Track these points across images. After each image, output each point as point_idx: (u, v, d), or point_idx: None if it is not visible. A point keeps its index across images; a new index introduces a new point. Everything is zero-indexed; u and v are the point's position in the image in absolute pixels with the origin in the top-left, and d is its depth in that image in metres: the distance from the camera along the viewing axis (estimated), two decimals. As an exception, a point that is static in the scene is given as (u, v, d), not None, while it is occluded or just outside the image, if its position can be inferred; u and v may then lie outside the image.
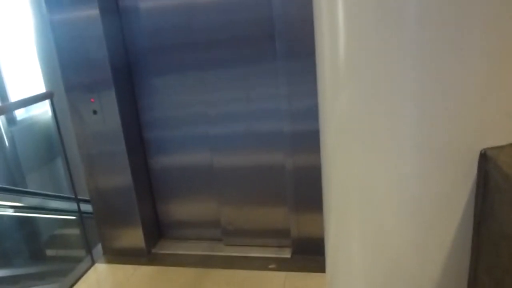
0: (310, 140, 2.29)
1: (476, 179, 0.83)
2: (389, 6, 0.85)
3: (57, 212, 3.94)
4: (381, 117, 0.92)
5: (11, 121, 4.79)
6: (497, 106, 0.82)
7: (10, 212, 3.56)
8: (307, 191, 2.41)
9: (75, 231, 4.57)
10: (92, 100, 2.36)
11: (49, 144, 5.11)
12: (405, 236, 0.95)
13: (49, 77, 4.37)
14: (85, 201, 2.76)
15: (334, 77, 1.02)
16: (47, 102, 2.48)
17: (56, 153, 5.10)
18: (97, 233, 2.73)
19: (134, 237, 2.66)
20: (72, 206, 3.81)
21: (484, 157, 0.81)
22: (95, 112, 2.38)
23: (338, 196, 1.11)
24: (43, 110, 5.06)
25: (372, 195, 1.00)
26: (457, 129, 0.84)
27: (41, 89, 4.46)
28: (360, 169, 1.01)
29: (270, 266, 2.44)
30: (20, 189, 3.94)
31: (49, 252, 4.56)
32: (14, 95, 4.79)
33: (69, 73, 2.39)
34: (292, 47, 2.20)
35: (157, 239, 2.84)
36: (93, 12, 2.26)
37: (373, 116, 0.93)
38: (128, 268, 2.53)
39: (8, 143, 4.76)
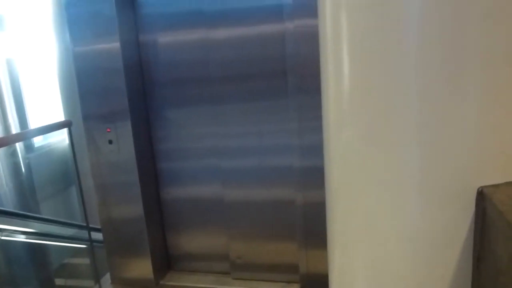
0: (320, 176, 2.30)
1: (474, 216, 0.85)
2: (390, 49, 0.89)
3: (68, 240, 3.97)
4: (383, 155, 0.95)
5: (28, 147, 4.91)
6: (493, 145, 0.85)
7: (21, 238, 3.60)
8: (316, 226, 2.41)
9: (85, 261, 4.59)
10: (108, 130, 2.44)
11: (65, 172, 5.20)
12: (407, 271, 0.97)
13: (68, 105, 4.52)
14: (96, 230, 2.80)
15: (338, 113, 1.06)
16: (64, 130, 2.57)
17: (71, 181, 5.18)
18: (106, 262, 2.75)
19: (143, 267, 2.67)
20: (84, 234, 3.86)
21: (481, 195, 0.83)
22: (110, 142, 2.46)
23: (341, 230, 1.13)
24: (60, 138, 5.18)
25: (374, 229, 1.02)
26: (456, 167, 0.87)
27: (60, 117, 4.60)
28: (363, 205, 1.03)
29: (278, 301, 2.42)
30: (33, 215, 4.00)
31: (58, 281, 4.56)
32: (33, 123, 4.94)
33: (87, 103, 2.48)
34: (303, 83, 2.26)
35: (165, 270, 2.84)
36: (115, 45, 2.37)
37: (375, 152, 0.97)
38: (136, 299, 2.54)
39: (25, 169, 4.86)
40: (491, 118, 0.86)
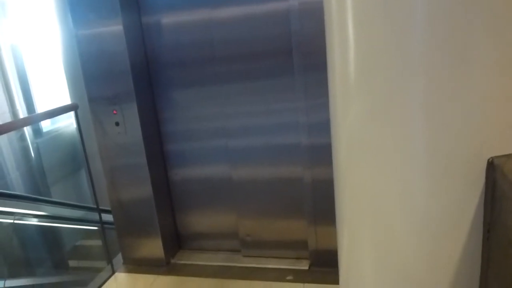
0: (328, 153, 2.30)
1: (485, 187, 0.84)
2: (396, 21, 0.87)
3: (79, 223, 4.03)
4: (390, 129, 0.94)
5: (37, 132, 4.95)
6: (503, 115, 0.83)
7: (34, 221, 3.66)
8: (325, 203, 2.41)
9: (96, 242, 4.65)
10: (114, 112, 2.44)
11: (74, 155, 5.24)
12: (416, 245, 0.96)
13: (74, 90, 4.52)
14: (107, 212, 2.83)
15: (344, 90, 1.04)
16: (72, 114, 2.58)
17: (81, 164, 5.22)
18: (117, 243, 2.79)
19: (153, 247, 2.71)
20: (94, 216, 3.91)
21: (492, 166, 0.82)
22: (117, 123, 2.46)
23: (350, 208, 1.12)
24: (68, 122, 5.21)
25: (383, 205, 1.02)
26: (465, 138, 0.86)
27: (67, 101, 4.61)
28: (371, 180, 1.02)
29: (288, 278, 2.44)
30: (44, 198, 4.05)
31: (71, 263, 4.65)
32: (41, 107, 4.96)
33: (93, 86, 2.48)
34: (309, 61, 2.24)
35: (176, 249, 2.88)
36: (117, 27, 2.35)
37: (382, 127, 0.95)
38: (148, 278, 2.58)
39: (34, 154, 4.90)
40: (500, 87, 0.84)
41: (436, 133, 0.88)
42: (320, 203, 2.45)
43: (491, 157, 0.83)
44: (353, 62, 0.99)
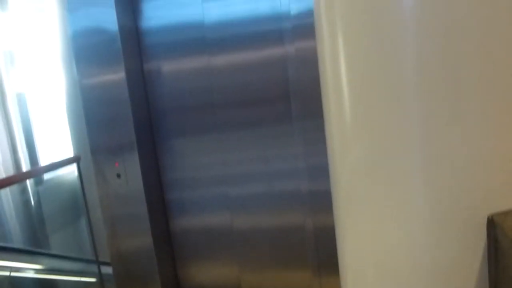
0: (329, 199, 2.30)
1: (487, 244, 0.84)
2: (389, 72, 0.90)
3: (78, 274, 3.94)
4: (389, 185, 0.95)
5: (37, 180, 4.94)
6: (501, 172, 0.84)
7: (31, 274, 3.58)
8: (329, 252, 2.37)
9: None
10: (116, 164, 2.46)
11: (74, 204, 5.20)
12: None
13: (77, 138, 4.55)
14: (106, 264, 2.78)
15: (341, 139, 1.06)
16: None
17: (80, 213, 5.17)
18: (117, 296, 2.73)
19: (153, 301, 2.64)
20: (94, 268, 3.83)
21: (492, 223, 0.82)
22: (118, 175, 2.47)
23: (352, 260, 1.11)
24: (69, 170, 5.21)
25: (385, 258, 1.01)
26: (465, 195, 0.86)
27: (69, 149, 4.64)
28: (371, 232, 1.02)
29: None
30: (42, 251, 3.98)
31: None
32: (43, 155, 4.98)
33: (95, 136, 2.51)
34: (306, 107, 2.27)
35: (176, 302, 2.81)
36: (120, 75, 2.41)
37: (381, 182, 0.96)
38: (147, 334, 2.49)
39: (34, 202, 4.87)
40: (500, 145, 0.85)
41: (436, 186, 0.89)
42: (323, 252, 2.41)
43: (491, 214, 0.83)
44: (348, 112, 1.01)
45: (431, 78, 0.86)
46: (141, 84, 2.56)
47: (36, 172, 3.95)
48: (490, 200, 0.85)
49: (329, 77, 1.05)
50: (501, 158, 0.84)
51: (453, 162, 0.86)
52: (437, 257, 0.91)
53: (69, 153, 4.36)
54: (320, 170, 2.29)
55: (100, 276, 2.68)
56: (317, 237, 2.41)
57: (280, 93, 2.37)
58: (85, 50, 2.43)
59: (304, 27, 2.22)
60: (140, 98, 2.55)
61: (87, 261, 3.66)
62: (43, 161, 4.77)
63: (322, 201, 2.33)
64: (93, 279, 4.16)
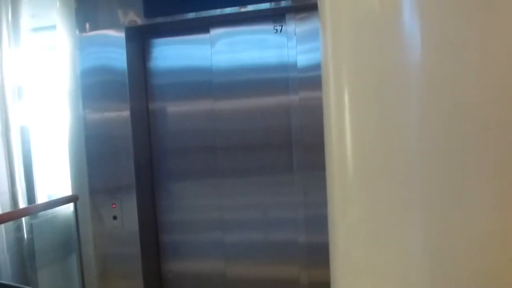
0: (327, 253, 2.25)
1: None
2: (394, 130, 0.92)
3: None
4: (389, 250, 0.94)
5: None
6: (500, 252, 0.84)
7: (17, 311, 3.47)
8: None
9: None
10: (113, 205, 2.44)
11: (66, 240, 5.11)
12: None
13: (76, 176, 4.53)
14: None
15: (342, 194, 1.06)
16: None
17: (72, 250, 5.07)
18: None
19: None
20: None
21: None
22: (115, 217, 2.45)
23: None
24: (65, 205, 5.15)
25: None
26: (462, 273, 0.85)
27: (67, 186, 4.61)
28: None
29: None
30: (26, 288, 3.88)
31: None
32: (41, 189, 4.94)
33: (95, 176, 2.52)
34: (308, 157, 2.27)
35: None
36: (125, 114, 2.43)
37: (381, 247, 0.95)
38: None
39: (26, 235, 4.78)
40: (498, 222, 0.85)
41: (434, 262, 0.88)
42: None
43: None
44: (351, 168, 1.01)
45: (437, 145, 0.87)
46: (145, 124, 2.59)
47: (33, 209, 3.90)
48: (490, 280, 0.83)
49: (333, 130, 1.06)
50: (504, 236, 0.84)
51: (453, 235, 0.85)
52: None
53: (67, 189, 4.34)
54: (319, 222, 2.27)
55: (86, 319, 2.59)
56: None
57: (282, 141, 2.39)
58: (93, 87, 2.48)
59: (309, 78, 2.26)
60: (143, 138, 2.56)
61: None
62: (40, 196, 4.74)
63: (319, 254, 2.29)
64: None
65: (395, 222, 0.92)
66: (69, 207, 5.05)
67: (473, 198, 0.85)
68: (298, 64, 2.33)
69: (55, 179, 5.05)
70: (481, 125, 0.85)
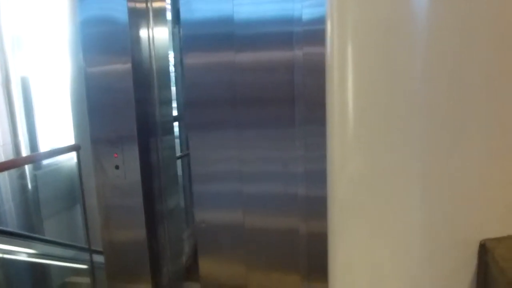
0: (324, 205, 2.30)
1: (477, 269, 0.85)
2: (396, 85, 0.90)
3: (70, 261, 3.96)
4: (386, 202, 0.95)
5: (36, 165, 4.94)
6: (497, 197, 0.85)
7: (23, 257, 3.60)
8: (321, 259, 2.37)
9: (86, 280, 4.55)
10: (115, 155, 2.46)
11: (71, 190, 5.21)
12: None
13: (79, 126, 4.55)
14: (99, 252, 2.79)
15: (342, 149, 1.06)
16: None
17: (76, 200, 5.19)
18: (107, 286, 2.73)
19: (143, 294, 2.65)
20: (86, 255, 3.84)
21: (484, 248, 0.82)
22: (117, 167, 2.47)
23: (342, 271, 1.12)
24: (69, 156, 5.21)
25: (375, 271, 1.01)
26: (460, 218, 0.87)
27: (71, 136, 4.64)
28: (364, 244, 1.02)
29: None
30: (35, 235, 3.99)
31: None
32: (43, 140, 4.99)
33: (97, 127, 2.51)
34: (310, 112, 2.26)
35: (167, 297, 2.80)
36: (126, 66, 2.40)
37: (378, 197, 0.97)
38: (134, 326, 2.49)
39: (31, 186, 4.87)
40: (495, 170, 0.86)
41: (432, 208, 0.89)
42: (315, 258, 2.41)
43: (483, 240, 0.83)
44: (352, 123, 1.01)
45: (438, 99, 0.87)
46: (148, 76, 2.56)
47: (36, 157, 3.95)
48: (485, 225, 0.85)
49: (335, 85, 1.05)
50: (500, 184, 0.85)
51: (452, 185, 0.86)
52: (427, 277, 0.92)
53: (70, 140, 4.37)
54: (319, 176, 2.28)
55: (91, 264, 2.68)
56: (310, 243, 2.40)
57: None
58: (93, 38, 2.43)
59: (313, 31, 2.20)
60: (146, 90, 2.54)
61: (80, 248, 3.67)
62: (43, 147, 4.77)
63: (318, 207, 2.31)
64: (84, 266, 4.18)
65: (394, 173, 0.93)
66: (72, 159, 5.13)
67: (473, 149, 0.85)
68: (303, 17, 2.27)
69: (57, 130, 5.09)
70: (484, 76, 0.83)
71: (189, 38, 2.43)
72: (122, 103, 2.43)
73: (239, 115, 2.46)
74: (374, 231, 1.00)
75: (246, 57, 2.39)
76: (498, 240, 0.82)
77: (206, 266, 2.69)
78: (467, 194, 0.86)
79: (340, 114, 1.05)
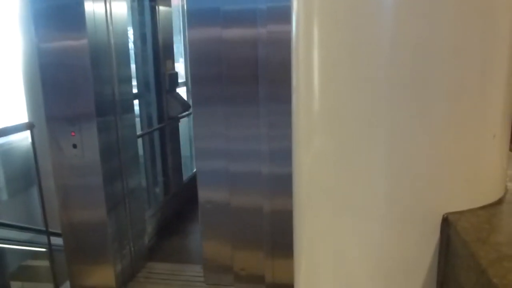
0: (289, 183, 2.30)
1: (439, 242, 0.86)
2: (360, 62, 0.89)
3: (27, 244, 3.83)
4: (350, 175, 0.95)
5: (-13, 145, 4.70)
6: (459, 171, 0.86)
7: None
8: (284, 235, 2.39)
9: (43, 263, 4.44)
10: (72, 133, 2.36)
11: (26, 172, 5.02)
12: (371, 292, 0.97)
13: (32, 105, 4.34)
14: (57, 235, 2.70)
15: (308, 127, 1.05)
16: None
17: (32, 181, 5.00)
18: (66, 269, 2.65)
19: (105, 275, 2.59)
20: (43, 238, 3.72)
21: (446, 222, 0.84)
22: (74, 146, 2.38)
23: (308, 246, 1.12)
24: (22, 137, 4.98)
25: (340, 248, 1.02)
26: (422, 192, 0.88)
27: (24, 115, 4.43)
28: (329, 220, 1.03)
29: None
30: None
31: (14, 285, 4.40)
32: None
33: (52, 104, 2.39)
34: (274, 90, 2.25)
35: (129, 278, 2.76)
36: (82, 41, 2.28)
37: (341, 171, 0.96)
38: (96, 308, 2.45)
39: (-17, 169, 4.64)
40: (457, 144, 0.87)
41: (396, 182, 0.89)
42: (278, 235, 2.43)
43: (446, 213, 0.84)
44: (317, 100, 1.00)
45: (402, 70, 0.86)
46: (106, 53, 2.45)
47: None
48: (447, 199, 0.86)
49: (301, 60, 1.03)
50: (463, 158, 0.86)
51: (416, 159, 0.87)
52: (390, 250, 0.93)
53: (24, 119, 4.17)
54: (283, 154, 2.28)
55: (50, 248, 2.59)
56: (273, 220, 2.42)
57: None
58: (45, 12, 2.29)
59: (277, 9, 2.17)
60: (104, 67, 2.44)
61: (38, 230, 3.55)
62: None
63: (282, 184, 2.32)
64: (42, 249, 4.06)
65: (359, 148, 0.92)
66: (26, 140, 4.91)
67: (437, 120, 0.85)
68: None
69: (8, 108, 4.84)
70: (450, 48, 0.83)
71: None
72: (79, 80, 2.33)
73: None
74: (338, 206, 1.00)
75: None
76: (460, 213, 0.83)
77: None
78: (430, 168, 0.87)
79: (306, 90, 1.03)
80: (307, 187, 1.08)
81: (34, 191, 5.13)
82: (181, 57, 5.06)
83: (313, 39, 0.99)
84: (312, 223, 1.09)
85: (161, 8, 3.49)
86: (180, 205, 3.80)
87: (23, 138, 5.03)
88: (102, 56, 2.42)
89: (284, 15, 2.06)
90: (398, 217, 0.90)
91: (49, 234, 2.58)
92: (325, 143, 1.00)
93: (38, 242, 3.91)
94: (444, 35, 0.84)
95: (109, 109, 2.49)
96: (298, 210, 1.14)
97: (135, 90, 3.52)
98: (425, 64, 0.85)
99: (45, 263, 4.53)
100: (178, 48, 4.28)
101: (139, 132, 3.17)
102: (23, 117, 4.34)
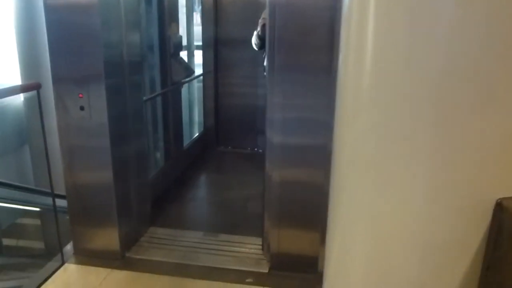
0: (300, 154, 2.29)
1: (490, 227, 0.86)
2: (416, 45, 0.87)
3: (26, 204, 3.82)
4: (398, 151, 0.94)
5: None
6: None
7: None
8: (291, 206, 2.40)
9: (36, 221, 4.45)
10: (80, 95, 2.29)
11: (17, 132, 4.93)
12: (411, 275, 0.97)
13: (26, 66, 4.18)
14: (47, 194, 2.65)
15: (355, 101, 1.03)
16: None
17: (24, 141, 4.93)
18: (70, 231, 2.64)
19: (109, 239, 2.58)
20: (34, 198, 3.69)
21: (500, 207, 0.84)
22: (82, 108, 2.31)
23: (343, 226, 1.12)
24: (13, 96, 4.85)
25: (378, 232, 1.02)
26: (475, 176, 0.87)
27: (16, 77, 4.27)
28: (370, 197, 1.02)
29: (248, 280, 2.41)
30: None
31: (7, 242, 4.41)
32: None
33: (59, 65, 2.31)
34: (290, 59, 2.19)
35: (132, 242, 2.75)
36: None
37: (389, 147, 0.95)
38: (100, 271, 2.43)
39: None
40: (511, 129, 0.86)
41: (446, 168, 0.89)
42: (286, 205, 2.43)
43: (500, 198, 0.84)
44: (369, 76, 0.98)
45: (460, 56, 0.84)
46: (116, 13, 2.35)
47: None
48: (500, 185, 0.86)
49: (352, 34, 1.00)
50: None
51: (469, 145, 0.86)
52: (434, 233, 0.93)
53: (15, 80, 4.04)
54: (295, 124, 2.24)
55: (54, 208, 2.56)
56: (282, 190, 2.40)
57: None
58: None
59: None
60: (114, 26, 2.34)
61: (40, 192, 3.52)
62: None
63: (292, 155, 2.29)
64: (34, 208, 4.05)
65: (409, 128, 0.91)
66: (18, 99, 4.77)
67: (493, 106, 0.84)
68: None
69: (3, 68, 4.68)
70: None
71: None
72: (88, 39, 2.24)
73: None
74: (382, 183, 0.99)
75: None
76: (515, 199, 0.83)
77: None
78: (484, 151, 0.86)
79: (356, 66, 1.00)
80: (348, 161, 1.07)
81: (26, 150, 5.05)
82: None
83: (368, 14, 0.96)
84: (350, 202, 1.08)
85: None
86: (180, 171, 3.79)
87: (14, 98, 4.90)
88: (112, 15, 2.33)
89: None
90: (446, 198, 0.90)
91: (54, 196, 2.55)
92: (373, 118, 0.98)
93: (28, 201, 3.89)
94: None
95: (118, 71, 2.41)
96: (337, 186, 1.13)
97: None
98: (486, 51, 0.83)
99: (35, 221, 4.53)
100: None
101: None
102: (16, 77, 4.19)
